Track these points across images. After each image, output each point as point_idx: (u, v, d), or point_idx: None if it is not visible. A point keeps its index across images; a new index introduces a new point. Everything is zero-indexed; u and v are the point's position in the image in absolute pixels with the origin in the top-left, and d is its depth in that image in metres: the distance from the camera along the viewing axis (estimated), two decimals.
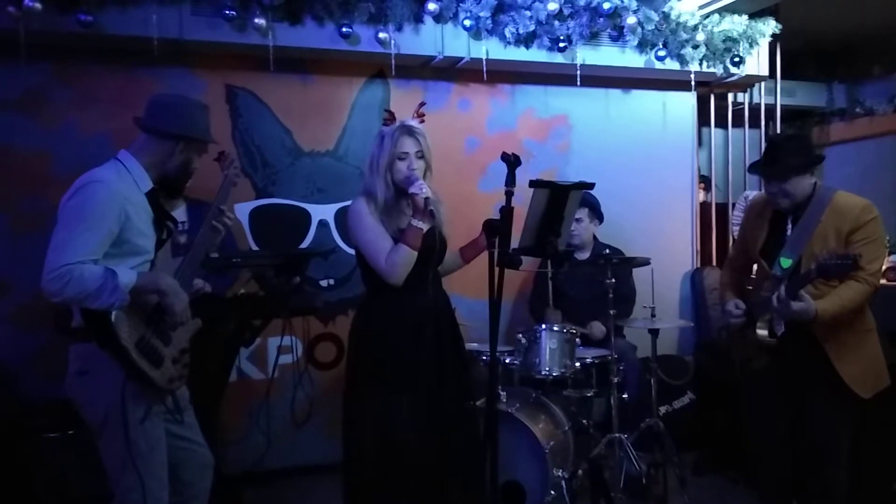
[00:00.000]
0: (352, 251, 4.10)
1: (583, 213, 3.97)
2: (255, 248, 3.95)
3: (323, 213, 4.08)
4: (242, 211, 3.93)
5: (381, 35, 3.81)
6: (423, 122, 2.57)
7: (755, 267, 2.89)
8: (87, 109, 3.61)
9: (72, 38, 3.40)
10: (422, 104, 2.60)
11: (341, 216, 4.08)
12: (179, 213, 3.25)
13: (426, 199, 2.40)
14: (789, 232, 2.68)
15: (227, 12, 3.53)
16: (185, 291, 2.21)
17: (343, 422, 2.63)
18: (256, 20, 3.58)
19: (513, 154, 2.16)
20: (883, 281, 4.59)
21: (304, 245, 4.03)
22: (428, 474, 2.50)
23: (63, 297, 1.99)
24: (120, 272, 2.02)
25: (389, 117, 2.58)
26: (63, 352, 2.20)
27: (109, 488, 2.19)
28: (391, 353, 2.51)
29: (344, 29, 3.73)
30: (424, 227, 2.43)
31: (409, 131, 2.50)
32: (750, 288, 2.90)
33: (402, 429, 2.47)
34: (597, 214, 4.07)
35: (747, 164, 5.21)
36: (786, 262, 2.60)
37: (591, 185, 2.43)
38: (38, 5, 3.20)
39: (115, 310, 2.00)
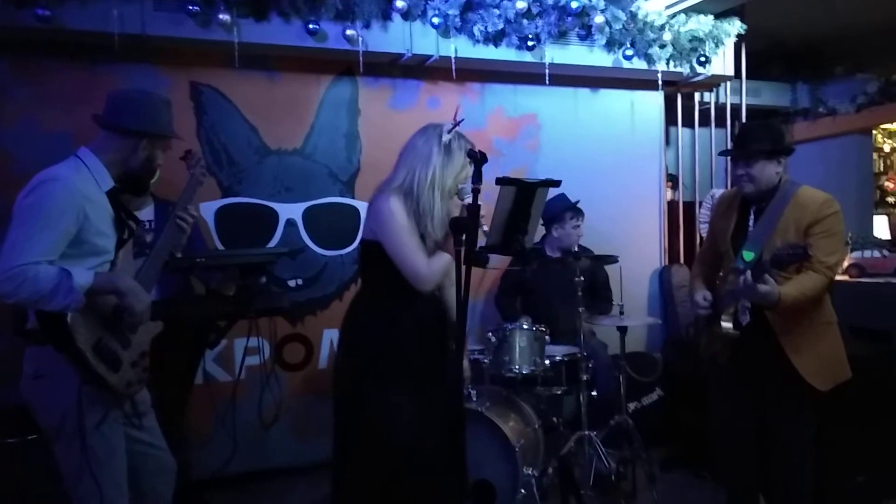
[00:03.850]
0: (322, 251, 4.12)
1: (579, 221, 4.04)
2: (220, 247, 3.89)
3: (290, 212, 4.04)
4: (208, 210, 3.86)
5: (349, 32, 3.78)
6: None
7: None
8: (47, 107, 3.52)
9: (30, 33, 3.31)
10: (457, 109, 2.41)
11: (309, 215, 4.04)
12: (147, 212, 3.19)
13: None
14: (751, 226, 2.71)
15: (191, 7, 3.46)
16: (147, 292, 2.16)
17: (360, 427, 2.40)
18: (221, 16, 3.52)
19: (479, 151, 2.14)
20: (846, 277, 4.68)
21: (272, 245, 3.98)
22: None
23: (17, 299, 1.94)
24: (75, 273, 1.96)
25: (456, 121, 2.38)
26: (21, 355, 2.14)
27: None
28: (417, 356, 2.39)
29: (311, 25, 3.69)
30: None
31: None
32: (718, 283, 2.93)
33: (423, 430, 2.34)
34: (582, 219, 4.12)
35: (714, 163, 5.34)
36: (748, 256, 2.62)
37: (558, 183, 2.41)
38: None
39: (70, 311, 1.94)
